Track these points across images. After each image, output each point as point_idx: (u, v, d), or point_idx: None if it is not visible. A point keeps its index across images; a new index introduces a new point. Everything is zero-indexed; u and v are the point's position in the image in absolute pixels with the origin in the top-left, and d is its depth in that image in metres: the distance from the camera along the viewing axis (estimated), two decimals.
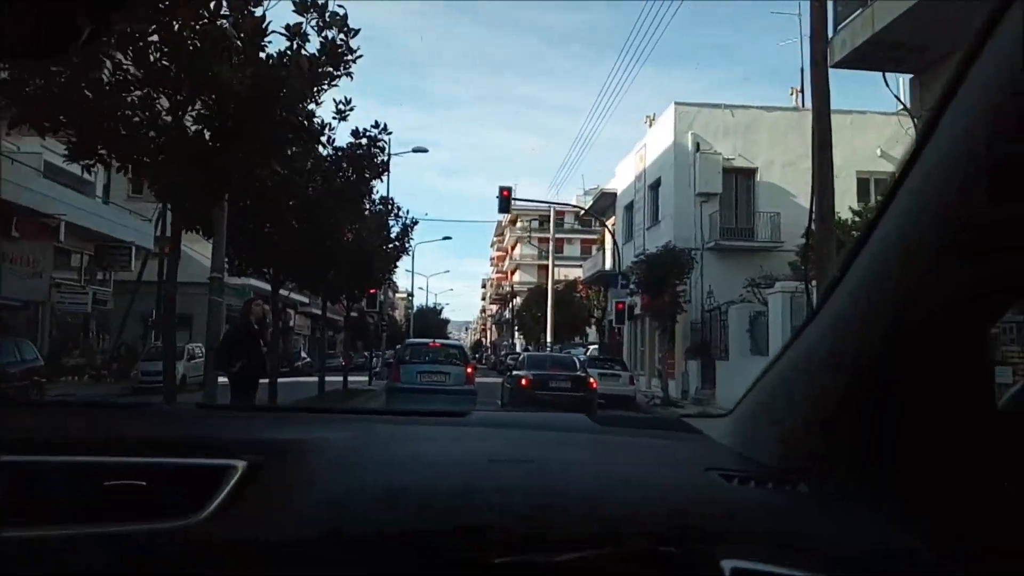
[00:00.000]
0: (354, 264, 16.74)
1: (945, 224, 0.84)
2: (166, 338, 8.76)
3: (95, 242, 26.04)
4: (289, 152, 9.15)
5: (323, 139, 12.02)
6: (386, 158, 11.80)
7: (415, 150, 32.17)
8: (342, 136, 11.80)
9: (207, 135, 7.94)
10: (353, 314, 45.46)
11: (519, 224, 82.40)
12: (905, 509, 0.95)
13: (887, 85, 12.34)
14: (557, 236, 40.21)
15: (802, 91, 25.65)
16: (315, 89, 8.38)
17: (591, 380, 16.01)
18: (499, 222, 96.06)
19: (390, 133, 11.70)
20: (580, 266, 50.33)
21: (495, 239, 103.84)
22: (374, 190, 13.78)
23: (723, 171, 24.00)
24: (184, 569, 0.97)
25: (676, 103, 24.73)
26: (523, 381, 15.49)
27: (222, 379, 9.25)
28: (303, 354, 40.14)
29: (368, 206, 16.04)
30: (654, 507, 1.05)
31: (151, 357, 23.45)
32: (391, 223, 20.64)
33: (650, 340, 27.92)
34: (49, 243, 22.34)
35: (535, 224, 78.12)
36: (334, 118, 11.77)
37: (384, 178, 12.32)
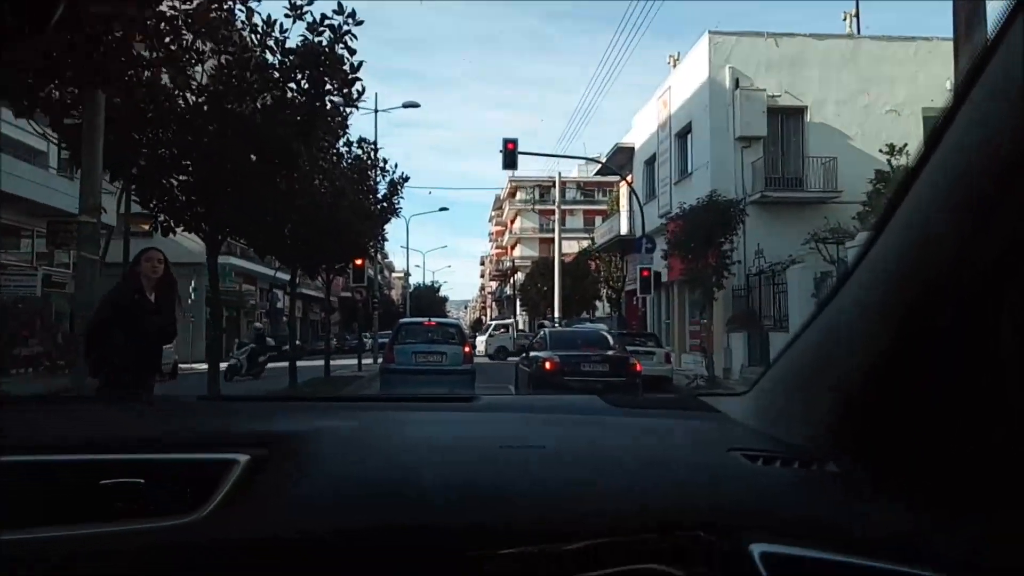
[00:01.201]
0: (329, 224, 13.24)
1: (976, 197, 0.80)
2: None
3: (47, 218, 23.08)
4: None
5: (270, 43, 8.53)
6: (356, 64, 8.06)
7: (405, 105, 28.50)
8: (296, 38, 7.91)
9: None
10: (347, 294, 42.31)
11: (519, 196, 79.17)
12: (934, 490, 0.91)
13: None
14: (556, 210, 36.56)
15: (856, 15, 21.95)
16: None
17: (634, 361, 12.60)
18: (497, 196, 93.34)
19: (359, 22, 8.03)
20: (584, 238, 47.07)
21: (493, 213, 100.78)
22: (346, 118, 10.04)
23: (767, 111, 20.38)
24: (185, 568, 0.93)
25: (711, 32, 21.06)
26: (547, 364, 12.11)
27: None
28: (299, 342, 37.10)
29: (339, 142, 12.35)
30: (676, 491, 1.03)
31: None
32: (376, 179, 17.10)
33: (679, 311, 24.50)
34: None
35: (536, 195, 74.82)
36: (287, 15, 8.32)
37: (357, 103, 8.53)
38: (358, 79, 8.35)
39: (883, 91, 20.59)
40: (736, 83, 20.60)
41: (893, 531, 0.92)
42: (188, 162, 8.70)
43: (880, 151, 16.93)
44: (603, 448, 1.17)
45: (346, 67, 8.36)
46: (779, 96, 20.68)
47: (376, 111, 27.25)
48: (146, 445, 1.07)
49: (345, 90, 8.82)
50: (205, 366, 25.83)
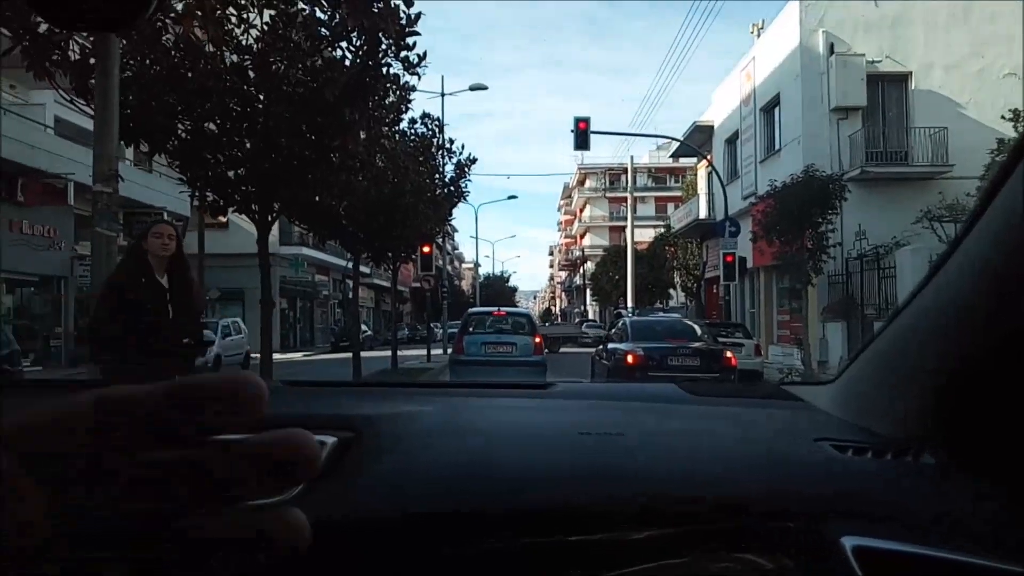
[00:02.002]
0: (391, 206, 12.35)
1: None
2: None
3: (124, 209, 23.26)
4: None
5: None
6: (413, 15, 7.03)
7: (472, 88, 27.49)
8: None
9: None
10: (417, 284, 41.99)
11: (588, 184, 77.70)
12: None
13: None
14: (629, 196, 34.72)
15: None
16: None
17: (728, 354, 11.26)
18: (565, 184, 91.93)
19: None
20: (657, 225, 45.32)
21: (562, 202, 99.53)
22: (408, 91, 9.05)
23: (866, 78, 18.49)
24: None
25: None
26: (630, 358, 10.91)
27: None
28: (364, 327, 37.06)
29: (402, 120, 11.37)
30: (763, 480, 1.01)
31: None
32: (442, 161, 16.16)
33: (766, 300, 22.81)
34: (67, 209, 19.78)
35: (606, 183, 73.20)
36: None
37: (417, 68, 7.51)
38: (415, 32, 7.32)
39: (1000, 53, 18.40)
40: (831, 48, 18.77)
41: (990, 526, 0.91)
42: (235, 133, 7.87)
43: (1002, 118, 15.01)
44: (685, 436, 1.16)
45: (402, 19, 7.35)
46: (879, 62, 18.75)
47: (443, 94, 26.41)
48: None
49: (403, 52, 7.83)
50: (280, 355, 25.87)
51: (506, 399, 1.41)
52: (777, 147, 21.16)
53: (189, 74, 7.06)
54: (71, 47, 5.45)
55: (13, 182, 18.15)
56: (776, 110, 21.32)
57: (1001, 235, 0.89)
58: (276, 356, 25.31)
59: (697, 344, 11.43)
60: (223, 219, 25.12)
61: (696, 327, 12.95)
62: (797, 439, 1.14)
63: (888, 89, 19.10)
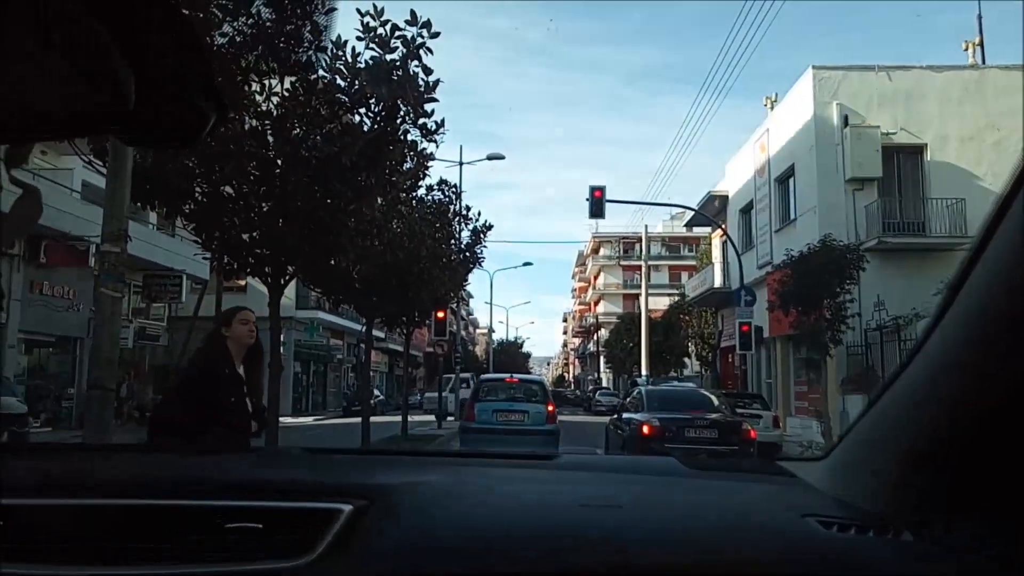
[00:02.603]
0: (406, 271, 12.32)
1: None
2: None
3: (142, 271, 23.62)
4: None
5: (339, 66, 7.70)
6: (432, 83, 7.10)
7: (490, 157, 27.89)
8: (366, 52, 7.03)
9: None
10: (430, 349, 41.74)
11: (602, 252, 78.05)
12: (1013, 559, 0.91)
13: None
14: (643, 264, 34.64)
15: (981, 45, 20.00)
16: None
17: (747, 426, 10.93)
18: (580, 252, 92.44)
19: (435, 34, 7.11)
20: (671, 294, 45.17)
21: (576, 269, 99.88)
22: (426, 159, 9.12)
23: (881, 150, 18.55)
24: None
25: (814, 67, 19.53)
26: (646, 428, 10.61)
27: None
28: (376, 392, 36.77)
29: (419, 187, 11.41)
30: (750, 554, 1.04)
31: None
32: (459, 227, 16.24)
33: (783, 370, 22.40)
34: (87, 271, 20.05)
35: (620, 251, 73.46)
36: (359, 38, 7.51)
37: (436, 136, 7.57)
38: (434, 99, 7.39)
39: (1016, 125, 18.45)
40: (845, 120, 18.91)
41: None
42: (251, 197, 7.90)
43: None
44: (679, 509, 1.20)
45: (420, 87, 7.43)
46: (894, 133, 18.85)
47: (461, 163, 26.77)
48: (262, 492, 1.15)
49: (421, 120, 7.90)
50: (291, 419, 25.55)
51: (515, 470, 1.45)
52: (792, 217, 21.14)
53: (208, 138, 7.14)
54: None
55: (37, 244, 18.46)
56: (791, 180, 21.39)
57: (976, 313, 0.91)
58: (287, 420, 25.00)
59: (715, 415, 11.12)
60: (240, 282, 25.37)
61: (713, 397, 12.66)
62: (785, 515, 1.17)
63: (903, 160, 19.14)
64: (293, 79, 7.53)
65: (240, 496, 1.14)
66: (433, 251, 13.23)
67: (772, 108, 23.93)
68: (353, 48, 7.67)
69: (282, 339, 24.49)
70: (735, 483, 1.42)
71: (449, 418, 24.63)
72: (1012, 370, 0.86)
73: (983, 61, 20.01)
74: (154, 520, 1.10)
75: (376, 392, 35.89)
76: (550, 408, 12.29)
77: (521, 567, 1.03)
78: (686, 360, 38.39)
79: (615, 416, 13.93)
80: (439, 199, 14.41)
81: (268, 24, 6.92)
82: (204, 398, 3.54)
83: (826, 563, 1.02)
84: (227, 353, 3.70)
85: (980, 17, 20.86)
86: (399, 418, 19.42)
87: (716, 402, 12.06)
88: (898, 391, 1.11)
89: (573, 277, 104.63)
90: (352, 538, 1.07)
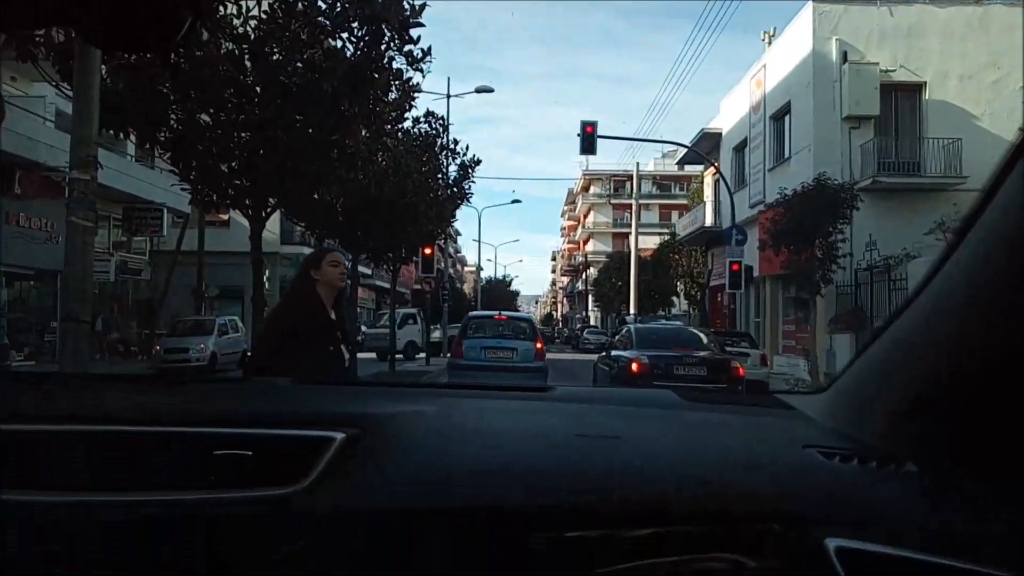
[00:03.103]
0: (392, 205, 12.03)
1: None
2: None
3: (122, 204, 23.15)
4: None
5: None
6: (418, 5, 6.71)
7: (478, 89, 27.15)
8: None
9: None
10: (417, 287, 41.50)
11: (592, 190, 77.42)
12: (1011, 491, 0.93)
13: None
14: (633, 202, 34.15)
15: None
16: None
17: (735, 364, 10.92)
18: (570, 190, 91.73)
19: None
20: (661, 233, 45.00)
21: (565, 208, 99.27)
22: (412, 89, 8.74)
23: (879, 87, 18.15)
24: (285, 534, 1.01)
25: (814, 0, 18.93)
26: (634, 366, 10.56)
27: None
28: (363, 328, 36.75)
29: (405, 119, 11.01)
30: (751, 484, 1.04)
31: (177, 333, 20.68)
32: (446, 162, 15.85)
33: (771, 309, 22.45)
34: (63, 203, 19.60)
35: (610, 189, 72.93)
36: None
37: (421, 64, 7.21)
38: (419, 24, 7.03)
39: (1017, 63, 18.07)
40: (844, 57, 18.45)
41: (968, 530, 0.92)
42: (229, 125, 7.56)
43: (1020, 129, 14.64)
44: (677, 440, 1.19)
45: (406, 11, 7.05)
46: (893, 71, 18.43)
47: (448, 95, 26.07)
48: (252, 421, 1.13)
49: (406, 47, 7.53)
50: None
51: (506, 401, 1.42)
52: (787, 155, 20.83)
53: (182, 62, 6.77)
54: (54, 28, 5.15)
55: (11, 175, 17.92)
56: (787, 118, 20.99)
57: (991, 246, 0.90)
58: None
59: (703, 353, 11.08)
60: (223, 216, 24.93)
61: (702, 335, 12.62)
62: (786, 445, 1.17)
63: (901, 99, 18.78)
64: (271, 1, 7.14)
65: (231, 424, 1.13)
66: (419, 185, 12.92)
67: (770, 43, 23.33)
68: None
69: (267, 274, 24.33)
70: (733, 416, 1.39)
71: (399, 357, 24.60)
72: (1017, 317, 0.86)
73: None
74: (144, 447, 1.09)
75: (363, 328, 35.91)
76: (539, 345, 12.24)
77: (518, 498, 1.02)
78: (674, 299, 38.55)
79: (603, 354, 13.93)
80: (426, 132, 14.00)
81: None
82: (301, 348, 3.22)
83: (828, 492, 1.02)
84: (318, 298, 3.40)
85: None
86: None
87: (705, 340, 12.02)
88: (901, 327, 1.09)
89: (562, 215, 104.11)
90: (344, 466, 1.06)
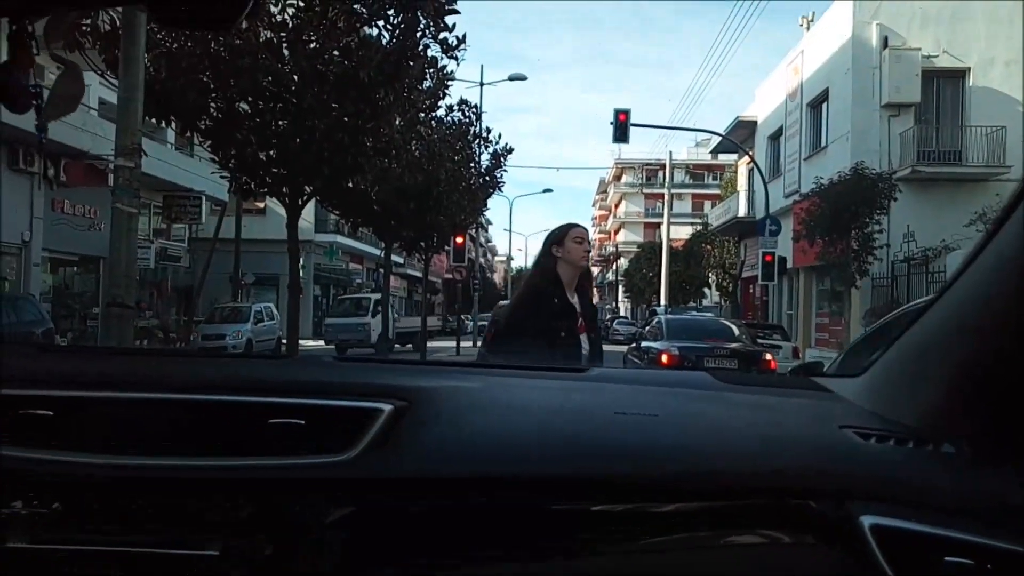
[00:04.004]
0: (425, 194, 12.12)
1: None
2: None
3: (162, 192, 23.59)
4: None
5: None
6: None
7: (512, 77, 27.12)
8: None
9: None
10: (449, 276, 41.65)
11: (624, 179, 76.85)
12: None
13: None
14: (665, 192, 33.78)
15: None
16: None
17: (768, 357, 10.82)
18: (601, 179, 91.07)
19: None
20: (693, 223, 44.53)
21: (597, 197, 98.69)
22: (446, 78, 8.77)
23: (920, 74, 17.74)
24: (335, 500, 1.06)
25: None
26: (664, 357, 10.52)
27: None
28: (395, 316, 36.97)
29: (439, 107, 11.04)
30: (787, 462, 1.06)
31: (215, 320, 21.13)
32: (478, 150, 15.88)
33: (805, 301, 22.16)
34: (107, 190, 19.99)
35: (643, 178, 72.33)
36: None
37: (456, 52, 7.22)
38: (454, 11, 7.04)
39: None
40: (884, 42, 18.03)
41: (1006, 510, 0.93)
42: (267, 113, 7.67)
43: None
44: (715, 419, 1.21)
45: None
46: (936, 57, 17.97)
47: (482, 83, 26.07)
48: (305, 392, 1.17)
49: (441, 34, 7.56)
50: (311, 342, 25.87)
51: (545, 380, 1.45)
52: (824, 143, 20.47)
53: (222, 50, 6.87)
54: (100, 17, 5.28)
55: (56, 162, 18.36)
56: (824, 105, 20.61)
57: (1015, 249, 0.91)
58: (307, 343, 25.23)
59: (734, 345, 11.00)
60: (260, 204, 25.24)
61: (734, 327, 12.51)
62: (822, 425, 1.17)
63: (943, 85, 18.32)
64: None
65: (283, 395, 1.16)
66: (452, 174, 12.97)
67: (808, 28, 22.89)
68: None
69: (301, 262, 24.64)
70: (769, 396, 1.40)
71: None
72: None
73: None
74: (198, 414, 1.13)
75: (395, 317, 36.14)
76: None
77: (558, 471, 1.04)
78: (706, 291, 38.21)
79: (633, 345, 13.88)
80: (459, 120, 14.03)
81: None
82: (537, 331, 2.98)
83: (864, 471, 1.03)
84: (557, 278, 3.12)
85: None
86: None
87: (736, 332, 11.92)
88: (938, 313, 1.10)
89: (594, 205, 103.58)
90: (392, 437, 1.09)
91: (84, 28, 5.37)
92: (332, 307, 22.71)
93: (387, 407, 1.12)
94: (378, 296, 22.93)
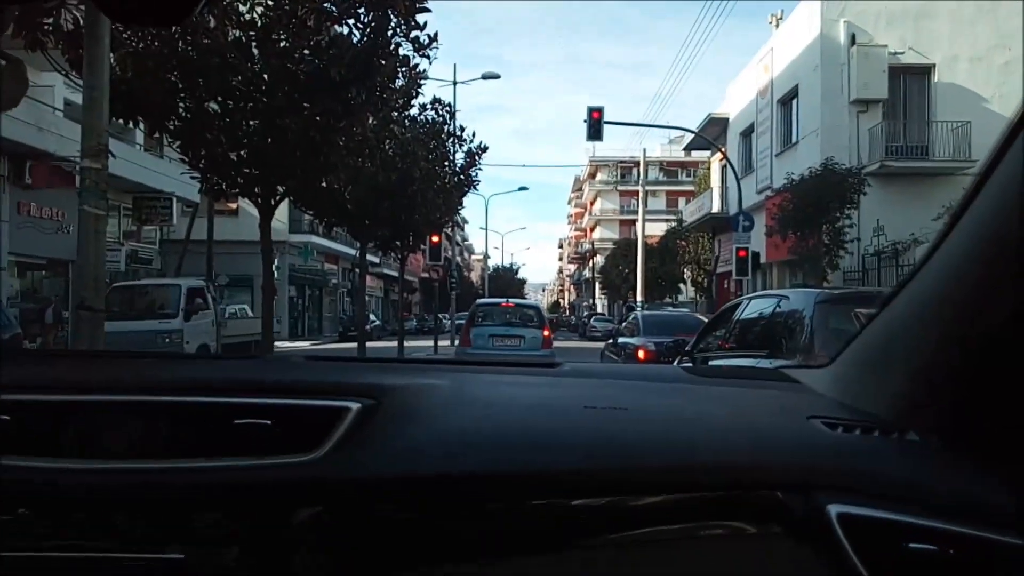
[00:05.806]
0: (399, 193, 12.06)
1: None
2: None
3: (132, 193, 23.20)
4: None
5: None
6: None
7: (485, 76, 27.11)
8: None
9: None
10: (425, 275, 41.47)
11: (599, 177, 77.19)
12: (1014, 462, 0.95)
13: None
14: (640, 189, 33.97)
15: None
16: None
17: None
18: (576, 177, 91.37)
19: None
20: (668, 219, 44.85)
21: (572, 195, 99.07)
22: (418, 76, 8.73)
23: (888, 70, 18.01)
24: (303, 500, 1.04)
25: None
26: (641, 353, 10.61)
27: None
28: (372, 316, 36.79)
29: (411, 106, 11.00)
30: (754, 452, 1.06)
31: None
32: (453, 149, 15.84)
33: None
34: (74, 192, 19.60)
35: (617, 176, 72.69)
36: None
37: (428, 50, 7.20)
38: (425, 9, 7.02)
39: None
40: (852, 39, 18.29)
41: (970, 497, 0.94)
42: (237, 113, 7.59)
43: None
44: (683, 411, 1.22)
45: None
46: (902, 53, 18.27)
47: (455, 82, 26.05)
48: (271, 392, 1.15)
49: (413, 33, 7.53)
50: (287, 343, 25.63)
51: (516, 376, 1.45)
52: (794, 140, 20.72)
53: (190, 50, 6.78)
54: (63, 16, 5.18)
55: (21, 164, 18.00)
56: (794, 102, 20.86)
57: (988, 225, 0.93)
58: (283, 344, 24.98)
59: None
60: (232, 205, 24.94)
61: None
62: (790, 416, 1.18)
63: (910, 82, 18.62)
64: None
65: (249, 395, 1.15)
66: (427, 173, 12.93)
67: (777, 26, 23.15)
68: None
69: (275, 263, 24.39)
70: (739, 388, 1.42)
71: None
72: (1014, 287, 0.89)
73: None
74: (163, 416, 1.11)
75: (372, 317, 35.91)
76: (546, 333, 12.29)
77: (528, 466, 1.04)
78: (681, 286, 38.49)
79: (610, 341, 13.96)
80: (432, 119, 13.98)
81: None
82: None
83: (831, 460, 1.04)
84: None
85: None
86: (395, 343, 19.50)
87: None
88: (901, 304, 1.12)
89: (569, 203, 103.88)
90: (360, 435, 1.08)
91: (47, 27, 5.27)
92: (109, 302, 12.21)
93: (355, 405, 1.11)
94: (194, 283, 15.40)
